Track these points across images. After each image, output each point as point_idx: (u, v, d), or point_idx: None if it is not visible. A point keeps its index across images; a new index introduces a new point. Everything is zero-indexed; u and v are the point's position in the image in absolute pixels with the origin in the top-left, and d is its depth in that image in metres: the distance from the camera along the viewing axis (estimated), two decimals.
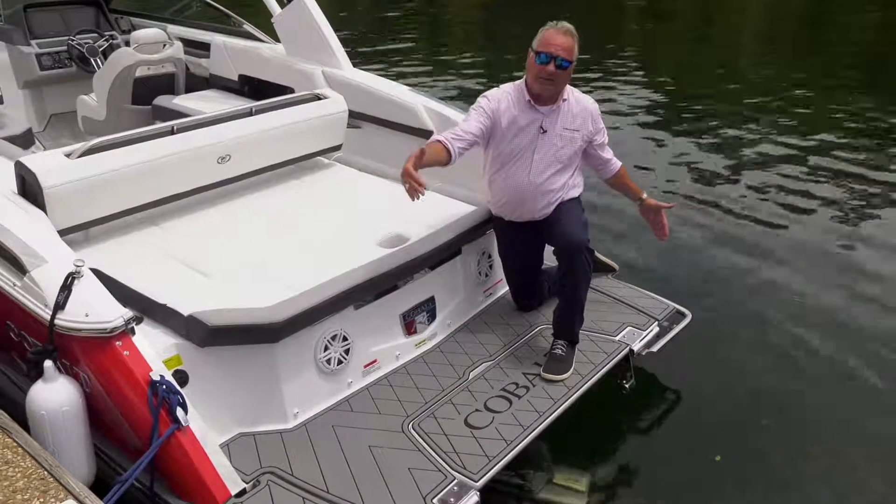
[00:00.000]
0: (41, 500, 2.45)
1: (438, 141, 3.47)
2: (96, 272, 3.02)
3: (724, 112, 9.49)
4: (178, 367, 2.94)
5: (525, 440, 3.15)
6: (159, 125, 3.95)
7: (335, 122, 4.57)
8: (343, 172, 4.64)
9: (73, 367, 2.93)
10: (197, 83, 6.12)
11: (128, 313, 2.80)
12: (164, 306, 3.04)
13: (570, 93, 3.67)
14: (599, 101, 3.91)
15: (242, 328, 2.99)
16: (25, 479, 2.54)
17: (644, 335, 3.91)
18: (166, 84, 5.77)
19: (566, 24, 3.51)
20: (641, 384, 3.96)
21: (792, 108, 9.53)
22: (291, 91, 5.21)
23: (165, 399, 2.68)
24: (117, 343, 2.75)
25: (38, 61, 6.03)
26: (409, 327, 3.67)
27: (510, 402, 3.37)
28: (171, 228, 3.85)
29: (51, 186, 3.35)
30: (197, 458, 2.71)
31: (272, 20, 5.53)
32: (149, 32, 5.63)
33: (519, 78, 3.69)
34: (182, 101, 5.61)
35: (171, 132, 3.84)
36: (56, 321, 2.80)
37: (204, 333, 2.92)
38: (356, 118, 4.93)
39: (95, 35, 6.28)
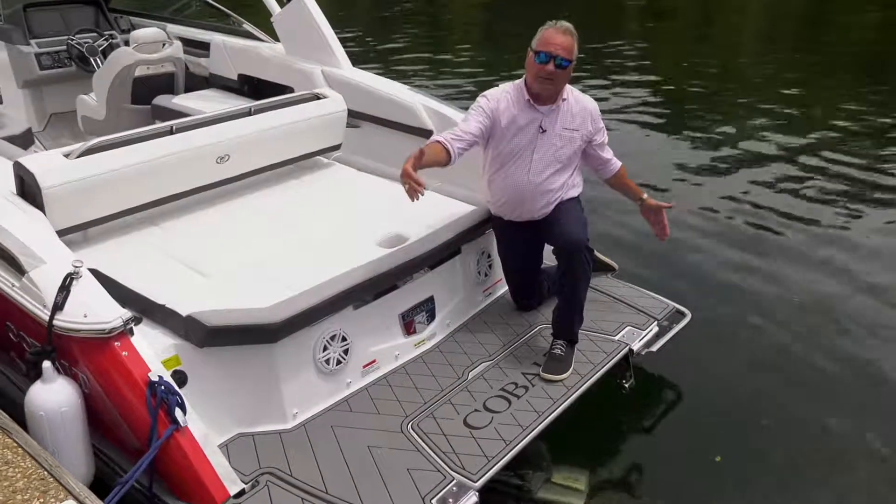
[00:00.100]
0: (41, 500, 2.45)
1: (438, 141, 3.47)
2: (95, 272, 3.02)
3: (723, 111, 9.48)
4: (177, 368, 2.94)
5: (524, 440, 3.15)
6: (158, 125, 3.95)
7: (334, 121, 4.56)
8: (342, 172, 4.63)
9: (71, 367, 2.92)
10: (196, 82, 6.11)
11: (126, 314, 2.80)
12: (162, 307, 3.04)
13: (570, 92, 3.67)
14: (599, 101, 3.90)
15: (241, 328, 2.98)
16: (25, 479, 2.54)
17: (644, 335, 3.90)
18: (166, 83, 5.77)
19: (565, 24, 3.51)
20: (641, 384, 3.96)
21: (792, 108, 9.52)
22: (291, 90, 5.21)
23: (164, 400, 2.68)
24: (116, 344, 2.75)
25: (37, 61, 6.02)
26: (409, 327, 3.67)
27: (509, 402, 3.36)
28: (171, 228, 3.84)
29: (49, 187, 3.35)
30: (196, 459, 2.71)
31: (271, 19, 5.52)
32: (148, 32, 5.63)
33: (519, 77, 3.68)
34: (181, 101, 5.61)
35: (170, 132, 3.84)
36: (55, 322, 2.79)
37: (203, 334, 2.92)
38: (355, 117, 4.93)
39: (95, 34, 6.27)
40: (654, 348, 3.90)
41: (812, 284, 5.21)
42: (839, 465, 3.63)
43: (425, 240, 3.68)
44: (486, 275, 4.12)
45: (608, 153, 3.85)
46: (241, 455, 2.97)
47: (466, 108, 3.81)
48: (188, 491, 2.74)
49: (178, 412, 2.70)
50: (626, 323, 3.98)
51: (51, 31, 6.19)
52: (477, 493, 2.87)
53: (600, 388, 3.63)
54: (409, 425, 3.20)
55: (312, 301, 3.14)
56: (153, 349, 2.85)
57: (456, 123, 3.86)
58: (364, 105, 4.98)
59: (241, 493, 2.78)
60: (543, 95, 3.56)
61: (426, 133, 4.63)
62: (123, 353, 2.75)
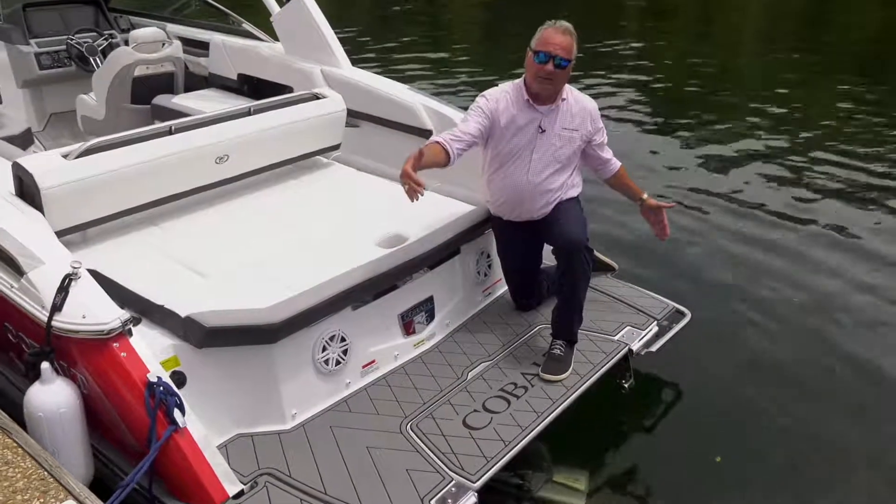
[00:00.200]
0: (41, 500, 2.46)
1: (437, 142, 3.46)
2: (94, 273, 3.02)
3: (723, 111, 9.48)
4: (176, 369, 2.94)
5: (523, 441, 3.14)
6: (157, 125, 3.95)
7: (334, 121, 4.56)
8: (341, 172, 4.63)
9: (70, 368, 2.92)
10: (196, 82, 6.11)
11: (125, 315, 2.80)
12: (161, 307, 3.04)
13: (570, 92, 3.66)
14: (598, 101, 3.90)
15: (240, 329, 2.98)
16: (25, 479, 2.54)
17: (643, 335, 3.90)
18: (165, 83, 5.77)
19: (565, 23, 3.50)
20: (640, 384, 3.96)
21: (791, 108, 9.52)
22: (290, 90, 5.20)
23: (163, 400, 2.68)
24: (114, 344, 2.75)
25: (37, 60, 6.02)
26: (408, 327, 3.66)
27: (508, 402, 3.36)
28: (170, 229, 3.84)
29: (48, 187, 3.34)
30: (195, 460, 2.71)
31: (271, 19, 5.52)
32: (147, 31, 5.63)
33: (519, 77, 3.68)
34: (181, 101, 5.60)
35: (169, 132, 3.83)
36: (53, 323, 2.79)
37: (201, 334, 2.91)
38: (355, 117, 4.92)
39: (94, 34, 6.27)
40: (654, 348, 3.89)
41: (812, 284, 5.21)
42: (839, 465, 3.63)
43: (424, 240, 3.67)
44: (485, 275, 4.12)
45: (608, 153, 3.85)
46: (240, 456, 2.97)
47: (466, 108, 3.81)
48: (187, 492, 2.74)
49: (176, 413, 2.69)
50: (626, 323, 3.98)
51: (50, 30, 6.19)
52: (476, 494, 2.87)
53: (600, 388, 3.62)
54: (409, 426, 3.19)
55: (311, 301, 3.13)
56: (152, 350, 2.84)
57: (455, 123, 3.86)
58: (363, 105, 4.97)
59: (240, 493, 2.77)
60: (543, 95, 3.55)
61: (426, 133, 4.62)
62: (122, 353, 2.74)
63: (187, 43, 6.15)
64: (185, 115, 4.70)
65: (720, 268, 5.45)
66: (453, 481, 2.90)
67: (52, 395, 2.79)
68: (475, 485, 2.90)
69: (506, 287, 4.14)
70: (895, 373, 4.27)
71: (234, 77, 5.87)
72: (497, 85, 3.73)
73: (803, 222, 6.20)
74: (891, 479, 3.56)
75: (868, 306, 4.94)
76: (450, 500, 2.82)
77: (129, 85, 5.56)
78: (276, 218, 3.99)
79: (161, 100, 5.61)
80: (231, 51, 5.90)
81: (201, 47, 6.17)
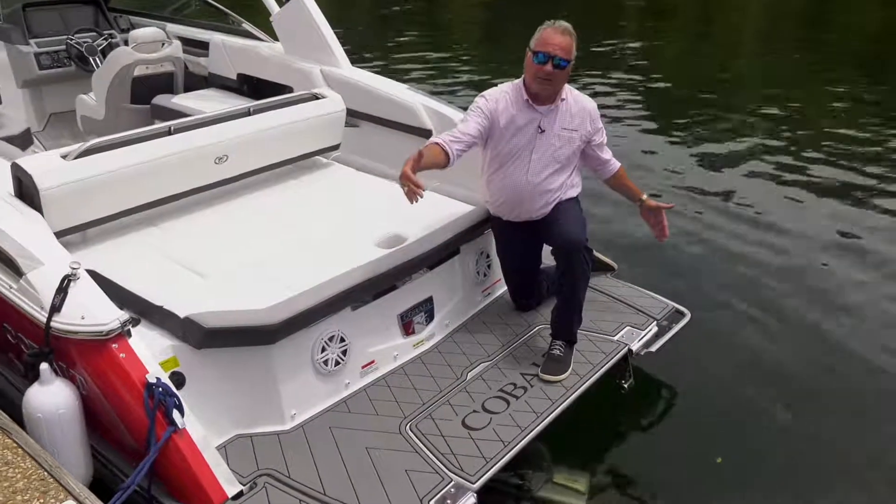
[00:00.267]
0: (41, 500, 2.47)
1: (436, 143, 3.46)
2: (93, 274, 3.02)
3: (723, 111, 9.48)
4: (175, 369, 2.94)
5: (523, 441, 3.14)
6: (156, 126, 3.94)
7: (333, 121, 4.56)
8: (341, 172, 4.63)
9: (69, 369, 2.92)
10: (196, 82, 6.11)
11: (124, 315, 2.80)
12: (160, 308, 3.03)
13: (569, 92, 3.66)
14: (598, 101, 3.89)
15: (239, 330, 2.98)
16: (25, 479, 2.55)
17: (643, 335, 3.90)
18: (165, 83, 5.76)
19: (564, 23, 3.50)
20: (640, 384, 3.96)
21: (791, 109, 9.52)
22: (290, 90, 5.20)
23: (162, 401, 2.68)
24: (113, 345, 2.75)
25: (36, 60, 6.02)
26: (407, 328, 3.66)
27: (508, 402, 3.36)
28: (169, 229, 3.84)
29: (47, 188, 3.34)
30: (193, 461, 2.71)
31: (270, 19, 5.52)
32: (147, 31, 5.63)
33: (518, 77, 3.68)
34: (181, 101, 5.60)
35: (169, 132, 3.83)
36: (52, 324, 2.79)
37: (200, 335, 2.91)
38: (355, 117, 4.92)
39: (94, 34, 6.27)
40: (654, 348, 3.89)
41: (812, 284, 5.21)
42: (839, 465, 3.63)
43: (424, 240, 3.67)
44: (484, 275, 4.12)
45: (607, 153, 3.84)
46: (240, 456, 2.97)
47: (466, 108, 3.81)
48: (186, 493, 2.73)
49: (175, 414, 2.69)
50: (626, 323, 3.97)
51: (50, 30, 6.18)
52: (475, 495, 2.86)
53: (599, 388, 3.62)
54: (408, 426, 3.19)
55: (310, 302, 3.13)
56: (151, 351, 2.84)
57: (455, 123, 3.86)
58: (363, 104, 4.97)
59: (240, 494, 2.77)
60: (542, 95, 3.55)
61: (425, 133, 4.62)
62: (121, 354, 2.74)
63: (187, 43, 6.15)
64: (185, 115, 4.69)
65: (720, 268, 5.46)
66: (452, 482, 2.90)
67: (51, 395, 2.79)
68: (474, 485, 2.89)
69: (505, 287, 4.14)
70: (895, 373, 4.26)
71: (234, 77, 5.87)
72: (497, 85, 3.73)
73: (803, 222, 6.19)
74: (891, 479, 3.55)
75: (868, 306, 4.94)
76: (449, 501, 2.82)
77: (128, 85, 5.55)
78: (276, 218, 3.99)
79: (161, 100, 5.61)
80: (231, 51, 5.90)
81: (201, 47, 6.16)
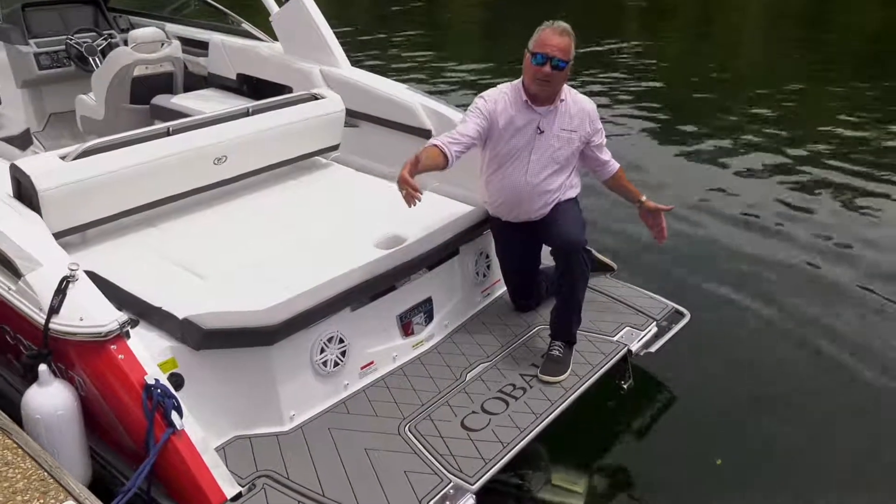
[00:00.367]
0: (41, 500, 2.47)
1: (434, 145, 3.45)
2: (92, 275, 3.02)
3: (722, 112, 9.47)
4: (174, 371, 2.93)
5: (522, 442, 3.14)
6: (155, 126, 3.94)
7: (332, 121, 4.55)
8: (340, 172, 4.62)
9: (68, 370, 2.92)
10: (195, 82, 6.10)
11: (122, 317, 2.80)
12: (159, 309, 3.03)
13: (568, 93, 3.66)
14: (597, 102, 3.89)
15: (238, 331, 2.98)
16: (25, 480, 2.55)
17: (642, 335, 3.90)
18: (165, 83, 5.76)
19: (562, 24, 3.49)
20: (640, 384, 3.96)
21: (791, 109, 9.51)
22: (290, 90, 5.20)
23: (160, 403, 2.68)
24: (112, 347, 2.75)
25: (36, 61, 6.01)
26: (406, 328, 3.65)
27: (507, 403, 3.36)
28: (168, 230, 3.83)
29: (46, 189, 3.33)
30: (192, 462, 2.70)
31: (270, 19, 5.52)
32: (147, 31, 5.62)
33: (518, 76, 3.67)
34: (180, 101, 5.60)
35: (167, 133, 3.83)
36: (51, 325, 2.79)
37: (199, 336, 2.91)
38: (354, 117, 4.92)
39: (94, 34, 6.26)
40: (653, 349, 3.88)
41: (812, 284, 5.21)
42: (840, 466, 3.63)
43: (423, 240, 3.66)
44: (484, 275, 4.11)
45: (606, 154, 3.84)
46: (238, 458, 2.97)
47: (465, 108, 3.80)
48: (185, 494, 2.73)
49: (174, 415, 2.69)
50: (625, 323, 3.97)
51: (49, 30, 6.18)
52: (474, 496, 2.87)
53: (599, 389, 3.62)
54: (407, 427, 3.19)
55: (309, 303, 3.13)
56: (149, 352, 2.84)
57: (455, 123, 3.85)
58: (362, 104, 4.97)
59: (238, 496, 2.77)
60: (541, 96, 3.55)
61: (425, 133, 4.62)
62: (119, 356, 2.74)
63: (186, 43, 6.14)
64: (185, 115, 4.69)
65: (719, 268, 5.45)
66: (451, 483, 2.90)
67: (49, 397, 2.79)
68: (473, 487, 2.89)
69: (504, 288, 4.14)
70: (895, 373, 4.26)
71: (234, 77, 5.87)
72: (496, 85, 3.73)
73: (803, 222, 6.20)
74: (891, 479, 3.55)
75: (869, 306, 4.94)
76: (448, 502, 2.82)
77: (128, 85, 5.55)
78: (275, 219, 3.98)
79: (160, 100, 5.61)
80: (230, 51, 5.89)
81: (200, 47, 6.16)
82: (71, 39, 6.08)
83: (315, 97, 4.53)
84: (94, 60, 6.06)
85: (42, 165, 3.42)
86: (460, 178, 4.08)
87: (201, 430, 2.80)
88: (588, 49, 12.48)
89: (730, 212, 6.38)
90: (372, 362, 3.50)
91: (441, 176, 3.88)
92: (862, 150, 7.90)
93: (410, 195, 3.15)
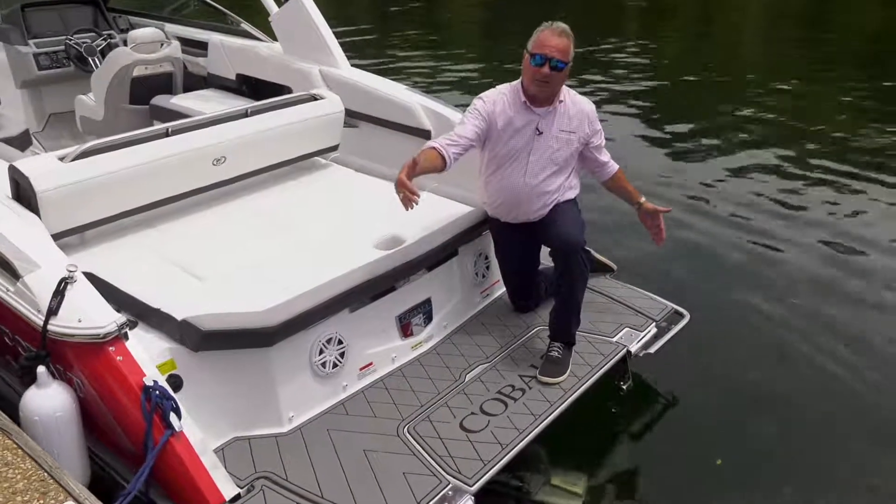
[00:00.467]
0: (41, 501, 2.47)
1: (432, 147, 3.45)
2: (90, 276, 3.02)
3: (722, 112, 9.46)
4: (173, 372, 2.93)
5: (520, 444, 3.14)
6: (154, 127, 3.94)
7: (331, 122, 4.55)
8: (340, 173, 4.62)
9: (66, 372, 2.92)
10: (195, 82, 6.10)
11: (121, 318, 2.80)
12: (157, 310, 3.03)
13: (567, 94, 3.65)
14: (596, 102, 3.89)
15: (236, 332, 2.98)
16: (25, 480, 2.55)
17: (641, 336, 3.89)
18: (164, 83, 5.76)
19: (561, 25, 3.48)
20: (639, 385, 3.96)
21: (791, 109, 9.50)
22: (289, 90, 5.20)
23: (159, 404, 2.67)
24: (110, 348, 2.75)
25: (35, 61, 6.01)
26: (406, 329, 3.65)
27: (506, 405, 3.35)
28: (167, 231, 3.83)
29: (44, 190, 3.33)
30: (191, 464, 2.70)
31: (269, 19, 5.52)
32: (146, 32, 5.62)
33: (517, 76, 3.67)
34: (180, 101, 5.59)
35: (166, 134, 3.82)
36: (49, 327, 2.79)
37: (197, 338, 2.91)
38: (353, 117, 4.92)
39: (93, 34, 6.26)
40: (653, 350, 3.88)
41: (811, 284, 5.21)
42: (840, 466, 3.63)
43: (422, 241, 3.66)
44: (483, 276, 4.11)
45: (605, 156, 3.83)
46: (237, 459, 2.97)
47: (465, 108, 3.80)
48: (184, 495, 2.73)
49: (172, 417, 2.69)
50: (624, 324, 3.97)
51: (49, 30, 6.18)
52: (472, 498, 2.86)
53: (598, 390, 3.62)
54: (406, 428, 3.19)
55: (308, 304, 3.12)
56: (148, 353, 2.84)
57: (454, 123, 3.86)
58: (362, 105, 4.97)
59: (237, 497, 2.77)
60: (540, 97, 3.54)
61: (424, 133, 4.62)
62: (118, 357, 2.74)
63: (186, 43, 6.14)
64: (184, 115, 4.68)
65: (719, 268, 5.45)
66: (450, 485, 2.89)
67: (47, 399, 2.79)
68: (472, 488, 2.89)
69: (504, 289, 4.13)
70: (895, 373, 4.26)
71: (233, 77, 5.86)
72: (496, 85, 3.72)
73: (802, 222, 6.19)
74: (892, 479, 3.55)
75: (868, 306, 4.94)
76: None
77: (127, 85, 5.55)
78: (274, 220, 3.98)
79: (160, 100, 5.60)
80: (229, 51, 5.89)
81: (200, 47, 6.16)
82: (70, 40, 6.08)
83: (314, 98, 4.53)
84: (93, 61, 6.06)
85: (40, 166, 3.42)
86: (459, 179, 4.08)
87: (200, 431, 2.80)
88: (587, 49, 12.48)
89: (729, 212, 6.38)
90: (371, 363, 3.49)
91: (440, 177, 3.87)
92: (862, 150, 7.89)
93: (408, 198, 3.15)
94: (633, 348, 3.81)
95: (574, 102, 3.66)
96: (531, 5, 15.40)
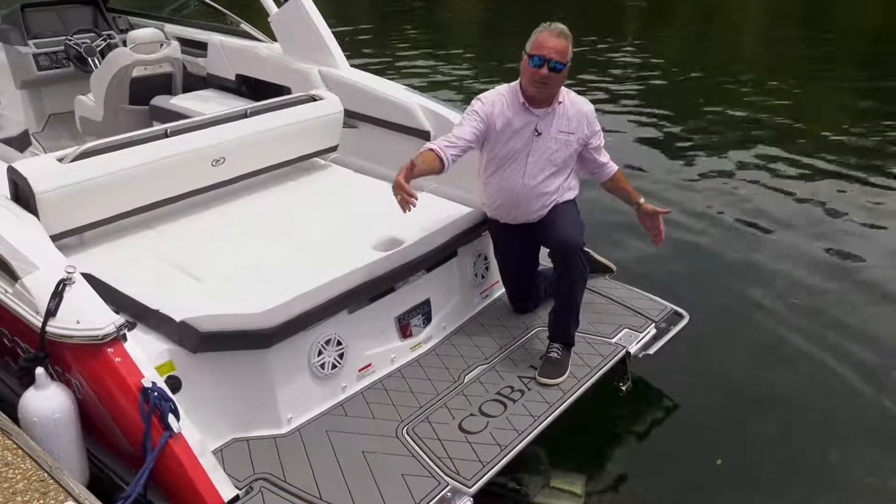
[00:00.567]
0: (41, 501, 2.47)
1: (431, 149, 3.45)
2: (89, 277, 3.02)
3: (721, 112, 9.48)
4: (171, 373, 2.93)
5: (519, 445, 3.14)
6: (153, 128, 3.94)
7: (331, 123, 4.55)
8: (339, 173, 4.61)
9: (65, 373, 2.92)
10: (194, 82, 6.10)
11: (119, 320, 2.80)
12: (156, 312, 3.03)
13: (566, 95, 3.65)
14: (595, 103, 3.88)
15: (235, 334, 2.97)
16: (25, 480, 2.55)
17: (641, 337, 3.89)
18: (164, 84, 5.76)
19: (559, 26, 3.48)
20: (638, 386, 3.96)
21: (791, 109, 9.50)
22: (288, 90, 5.20)
23: (157, 406, 2.67)
24: (109, 350, 2.74)
25: (35, 61, 6.00)
26: (405, 330, 3.65)
27: (505, 406, 3.35)
28: (166, 232, 3.83)
29: (43, 191, 3.33)
30: (189, 465, 2.70)
31: (269, 19, 5.51)
32: (146, 32, 5.62)
33: (517, 75, 3.66)
34: (179, 101, 5.59)
35: (165, 135, 3.82)
36: (47, 328, 2.79)
37: (196, 339, 2.90)
38: (353, 118, 4.92)
39: (93, 34, 6.26)
40: (652, 351, 3.87)
41: (811, 284, 5.21)
42: (840, 466, 3.63)
43: (421, 242, 3.66)
44: (482, 277, 4.11)
45: (604, 157, 3.83)
46: (236, 460, 2.96)
47: (464, 108, 3.80)
48: (182, 497, 2.73)
49: (171, 418, 2.69)
50: (624, 325, 3.96)
51: (49, 31, 6.17)
52: (471, 499, 2.86)
53: (597, 391, 3.62)
54: (404, 430, 3.18)
55: (307, 306, 3.12)
56: (147, 355, 2.84)
57: (453, 124, 3.86)
58: (361, 105, 4.96)
59: (236, 498, 2.76)
60: (538, 98, 3.54)
61: (423, 134, 4.62)
62: (116, 359, 2.74)
63: (185, 43, 6.14)
64: (184, 115, 4.68)
65: (718, 269, 5.45)
66: (449, 486, 2.89)
67: (46, 400, 2.79)
68: (471, 490, 2.89)
69: (503, 289, 4.13)
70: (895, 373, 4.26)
71: (233, 77, 5.86)
72: (495, 85, 3.72)
73: (802, 223, 6.20)
74: (892, 479, 3.55)
75: (869, 306, 4.94)
76: None
77: (127, 86, 5.55)
78: (273, 220, 3.97)
79: (159, 100, 5.60)
80: (229, 51, 5.89)
81: (199, 48, 6.15)
82: (70, 40, 6.08)
83: (313, 98, 4.53)
84: (93, 61, 6.06)
85: (39, 167, 3.42)
86: (459, 180, 4.08)
87: (198, 432, 2.80)
88: (586, 50, 12.48)
89: (729, 212, 6.38)
90: (370, 364, 3.49)
91: (439, 177, 3.86)
92: (862, 151, 7.90)
93: (405, 200, 3.15)
94: (633, 349, 3.81)
95: (573, 103, 3.66)
96: (531, 5, 15.42)
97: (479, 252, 4.07)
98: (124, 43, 5.71)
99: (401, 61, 12.08)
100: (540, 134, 3.59)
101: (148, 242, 3.72)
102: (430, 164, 3.39)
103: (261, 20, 5.80)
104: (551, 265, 3.73)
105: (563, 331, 3.66)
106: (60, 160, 3.47)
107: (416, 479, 2.91)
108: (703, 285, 5.18)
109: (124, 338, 2.79)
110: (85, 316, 2.78)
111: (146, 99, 5.61)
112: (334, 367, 3.32)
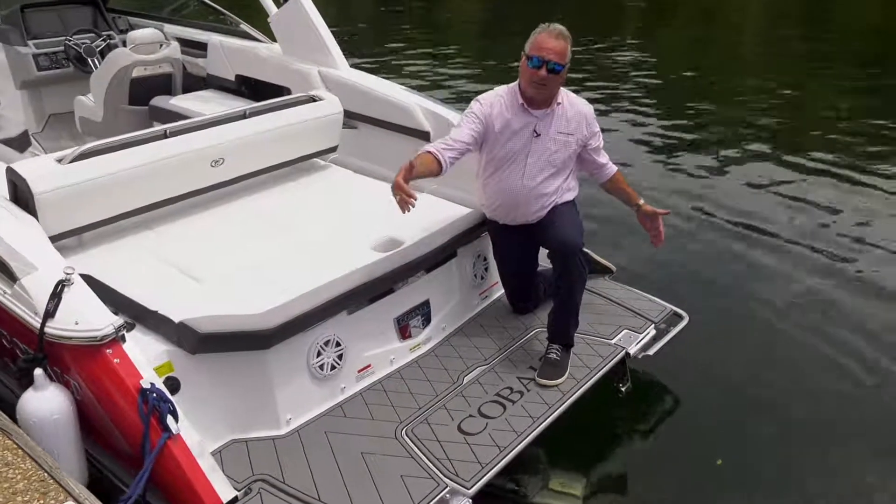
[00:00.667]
0: (41, 501, 2.47)
1: (429, 152, 3.44)
2: (88, 278, 3.01)
3: (721, 113, 9.47)
4: (170, 374, 2.93)
5: (518, 446, 3.13)
6: (152, 129, 3.94)
7: (330, 123, 4.54)
8: (338, 174, 4.61)
9: (63, 374, 2.92)
10: (194, 83, 6.10)
11: (118, 321, 2.79)
12: (155, 313, 3.02)
13: (565, 96, 3.65)
14: (595, 104, 3.88)
15: (233, 335, 2.97)
16: (25, 480, 2.55)
17: (640, 338, 3.88)
18: (163, 84, 5.76)
19: (558, 27, 3.47)
20: (638, 387, 3.95)
21: (790, 109, 9.51)
22: (288, 91, 5.20)
23: (156, 407, 2.67)
24: (107, 351, 2.74)
25: (35, 62, 6.00)
26: (404, 331, 3.65)
27: (504, 407, 3.35)
28: (165, 233, 3.83)
29: (42, 192, 3.33)
30: (188, 467, 2.69)
31: (269, 20, 5.51)
32: (145, 32, 5.62)
33: (517, 76, 3.66)
34: (179, 102, 5.59)
35: (164, 136, 3.82)
36: (46, 329, 2.78)
37: (195, 340, 2.90)
38: (352, 118, 4.91)
39: (93, 35, 6.26)
40: (651, 351, 3.87)
41: (811, 285, 5.20)
42: (840, 466, 3.63)
43: (421, 243, 3.66)
44: (482, 278, 4.10)
45: (604, 158, 3.82)
46: (235, 462, 2.96)
47: (463, 109, 3.79)
48: (181, 498, 2.72)
49: (170, 419, 2.68)
50: (623, 326, 3.96)
51: (48, 31, 6.17)
52: (470, 501, 2.86)
53: (596, 392, 3.61)
54: (404, 431, 3.18)
55: (306, 307, 3.12)
56: (145, 356, 2.83)
57: (452, 124, 3.86)
58: (361, 106, 4.96)
59: (234, 500, 2.76)
60: (537, 99, 3.54)
61: (423, 134, 4.62)
62: (115, 360, 2.73)
63: (185, 44, 6.14)
64: (183, 116, 4.68)
65: (718, 269, 5.44)
66: (448, 487, 2.89)
67: (45, 401, 2.79)
68: (470, 491, 2.89)
69: (502, 290, 4.13)
70: (895, 373, 4.26)
71: (232, 78, 5.86)
72: (495, 85, 3.72)
73: (802, 223, 6.19)
74: (892, 479, 3.55)
75: (869, 306, 4.94)
76: None
77: (126, 86, 5.55)
78: (272, 221, 3.97)
79: (159, 101, 5.60)
80: (229, 52, 5.89)
81: (199, 48, 6.15)
82: (70, 40, 6.08)
83: (313, 99, 4.53)
84: (92, 61, 6.06)
85: (38, 168, 3.42)
86: (458, 181, 4.07)
87: (197, 433, 2.79)
88: (586, 50, 12.48)
89: (728, 213, 6.37)
90: (369, 365, 3.49)
91: (438, 178, 3.86)
92: (862, 151, 7.89)
93: (404, 201, 3.15)
94: (632, 350, 3.80)
95: (572, 104, 3.66)
96: (530, 5, 15.42)
97: (478, 253, 4.06)
98: (124, 43, 5.72)
99: (400, 61, 12.07)
100: (539, 135, 3.59)
101: (147, 243, 3.72)
102: (428, 166, 3.38)
103: (261, 20, 5.80)
104: (550, 266, 3.73)
105: (563, 332, 3.66)
106: (59, 161, 3.47)
107: (414, 481, 2.91)
108: (703, 286, 5.18)
109: (123, 339, 2.78)
110: (84, 317, 2.77)
111: (146, 99, 5.61)
112: (333, 368, 3.32)
